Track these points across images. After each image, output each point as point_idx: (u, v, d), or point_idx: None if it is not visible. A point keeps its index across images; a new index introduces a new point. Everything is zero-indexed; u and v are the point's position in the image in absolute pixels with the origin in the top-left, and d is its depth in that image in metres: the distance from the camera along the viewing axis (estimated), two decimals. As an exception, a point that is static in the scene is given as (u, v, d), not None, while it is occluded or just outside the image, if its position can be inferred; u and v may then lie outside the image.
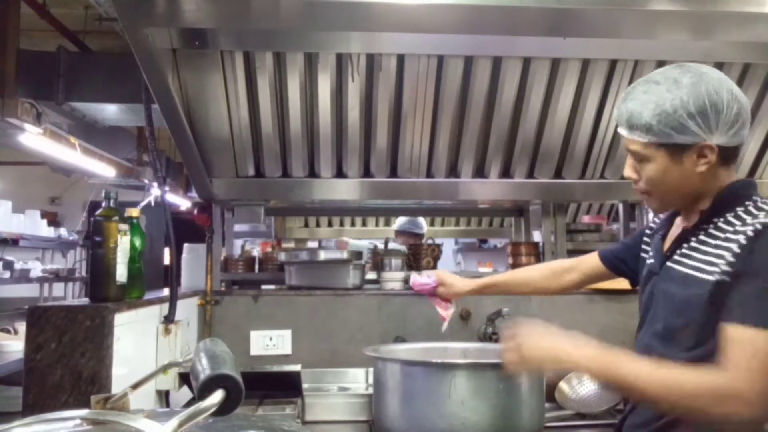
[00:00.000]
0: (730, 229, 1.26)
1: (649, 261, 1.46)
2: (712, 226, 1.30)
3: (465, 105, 2.22)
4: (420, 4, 1.66)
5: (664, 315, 1.35)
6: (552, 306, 2.54)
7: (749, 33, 1.81)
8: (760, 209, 1.26)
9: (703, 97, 1.24)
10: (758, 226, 1.21)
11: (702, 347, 1.25)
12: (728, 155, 1.30)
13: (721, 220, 1.29)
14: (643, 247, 1.54)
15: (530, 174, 2.48)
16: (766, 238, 1.20)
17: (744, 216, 1.26)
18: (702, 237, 1.31)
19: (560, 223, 2.76)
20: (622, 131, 1.33)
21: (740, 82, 2.21)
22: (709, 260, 1.26)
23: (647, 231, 1.55)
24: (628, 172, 1.38)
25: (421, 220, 4.01)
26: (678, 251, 1.35)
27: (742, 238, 1.22)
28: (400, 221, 4.04)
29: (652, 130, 1.26)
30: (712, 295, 1.23)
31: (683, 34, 1.84)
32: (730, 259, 1.22)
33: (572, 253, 2.81)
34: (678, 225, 1.42)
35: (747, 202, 1.28)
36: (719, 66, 2.16)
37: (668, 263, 1.36)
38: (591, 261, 1.75)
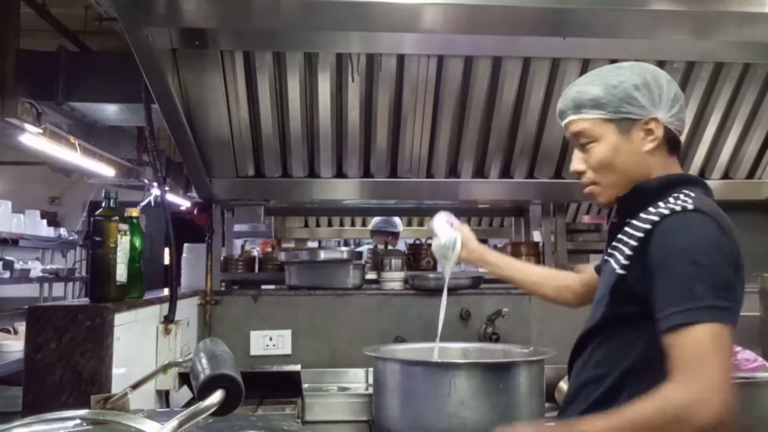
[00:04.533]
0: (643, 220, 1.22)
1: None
2: (636, 218, 1.25)
3: (465, 105, 2.22)
4: (420, 4, 1.66)
5: (592, 309, 1.35)
6: (551, 307, 2.53)
7: (749, 33, 1.81)
8: (676, 200, 1.21)
9: (644, 73, 1.28)
10: (655, 218, 1.19)
11: (611, 338, 1.26)
12: (672, 141, 1.29)
13: (643, 211, 1.24)
14: None
15: (530, 174, 2.48)
16: (660, 230, 1.17)
17: (658, 209, 1.21)
18: (625, 229, 1.27)
19: (560, 223, 2.76)
20: (569, 116, 1.31)
21: (740, 82, 2.22)
22: (616, 254, 1.25)
23: None
24: (576, 164, 1.34)
25: (396, 219, 4.01)
26: (608, 246, 1.32)
27: (640, 232, 1.20)
28: (374, 221, 4.03)
29: (600, 102, 1.27)
30: (613, 287, 1.23)
31: (683, 34, 1.84)
32: (628, 252, 1.21)
33: (572, 253, 2.82)
34: None
35: (674, 194, 1.23)
36: (719, 66, 2.16)
37: (604, 257, 1.34)
38: (588, 270, 1.63)
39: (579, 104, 1.29)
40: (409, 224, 4.30)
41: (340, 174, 2.43)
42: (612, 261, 1.26)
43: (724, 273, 1.13)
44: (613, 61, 2.12)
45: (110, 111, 4.26)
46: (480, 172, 2.48)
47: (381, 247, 3.47)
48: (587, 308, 2.63)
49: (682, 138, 1.34)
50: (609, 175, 1.30)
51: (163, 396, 1.89)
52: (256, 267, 2.84)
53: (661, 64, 2.13)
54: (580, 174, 1.34)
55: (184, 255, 2.59)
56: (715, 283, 1.12)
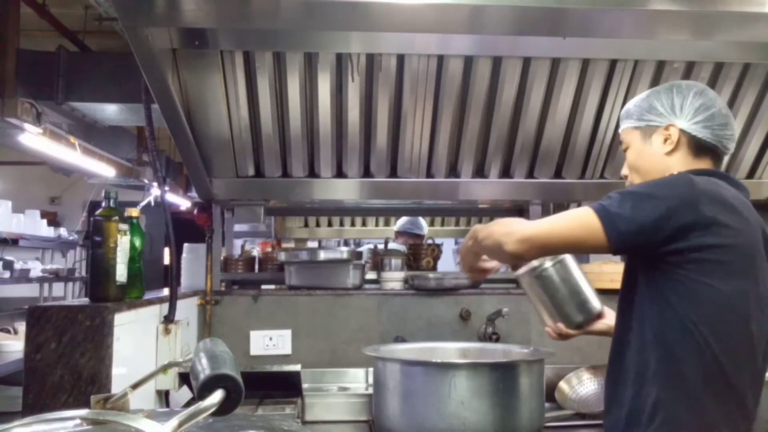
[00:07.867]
0: None
1: None
2: None
3: (465, 105, 2.22)
4: (420, 4, 1.66)
5: None
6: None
7: (749, 33, 1.81)
8: None
9: (673, 87, 1.45)
10: None
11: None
12: (698, 145, 1.42)
13: None
14: None
15: (530, 174, 2.48)
16: None
17: None
18: None
19: (560, 223, 2.75)
20: (620, 128, 1.53)
21: (740, 82, 2.21)
22: None
23: None
24: (623, 170, 1.54)
25: (422, 220, 4.00)
26: None
27: None
28: (400, 222, 4.02)
29: (630, 114, 1.49)
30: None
31: (683, 34, 1.84)
32: None
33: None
34: None
35: None
36: (719, 66, 2.16)
37: None
38: None
39: (622, 116, 1.52)
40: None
41: (340, 174, 2.43)
42: None
43: (650, 193, 1.29)
44: (613, 61, 2.15)
45: (110, 111, 4.27)
46: (480, 172, 2.47)
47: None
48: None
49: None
50: (637, 176, 1.48)
51: (163, 396, 1.89)
52: (256, 267, 2.84)
53: (661, 64, 2.14)
54: (625, 177, 1.53)
55: (184, 255, 2.59)
56: (630, 196, 1.28)
